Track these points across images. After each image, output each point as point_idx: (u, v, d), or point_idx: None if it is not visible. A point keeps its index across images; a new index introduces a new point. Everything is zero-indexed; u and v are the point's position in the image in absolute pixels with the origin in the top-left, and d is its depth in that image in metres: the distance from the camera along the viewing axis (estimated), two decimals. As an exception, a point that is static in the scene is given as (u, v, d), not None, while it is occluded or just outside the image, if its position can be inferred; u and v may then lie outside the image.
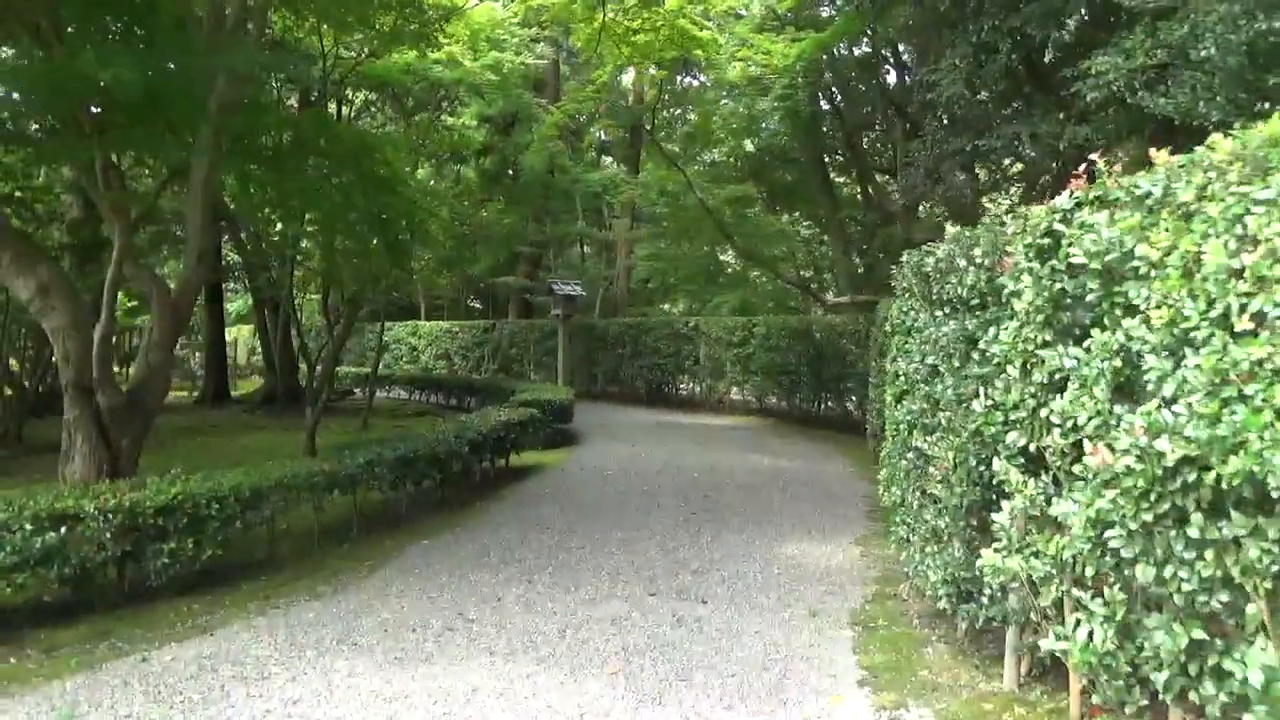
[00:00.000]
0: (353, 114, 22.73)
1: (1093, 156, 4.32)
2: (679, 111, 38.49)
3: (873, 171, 32.51)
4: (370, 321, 37.62)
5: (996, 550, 4.49)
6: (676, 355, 23.10)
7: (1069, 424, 3.98)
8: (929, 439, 5.93)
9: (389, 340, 33.00)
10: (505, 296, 34.25)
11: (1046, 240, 4.32)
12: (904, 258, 7.22)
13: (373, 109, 26.21)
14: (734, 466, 12.92)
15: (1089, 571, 3.84)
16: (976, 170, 15.30)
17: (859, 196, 32.88)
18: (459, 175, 30.41)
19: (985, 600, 4.96)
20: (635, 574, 7.21)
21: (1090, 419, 3.80)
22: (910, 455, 6.46)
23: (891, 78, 23.57)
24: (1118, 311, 3.80)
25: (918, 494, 6.23)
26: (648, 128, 24.63)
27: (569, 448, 14.86)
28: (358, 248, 11.46)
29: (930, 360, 6.17)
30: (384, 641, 5.65)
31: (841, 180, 32.55)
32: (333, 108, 18.65)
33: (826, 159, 29.99)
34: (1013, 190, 24.81)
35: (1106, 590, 3.77)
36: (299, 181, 9.10)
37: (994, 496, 4.87)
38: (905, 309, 7.21)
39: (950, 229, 6.09)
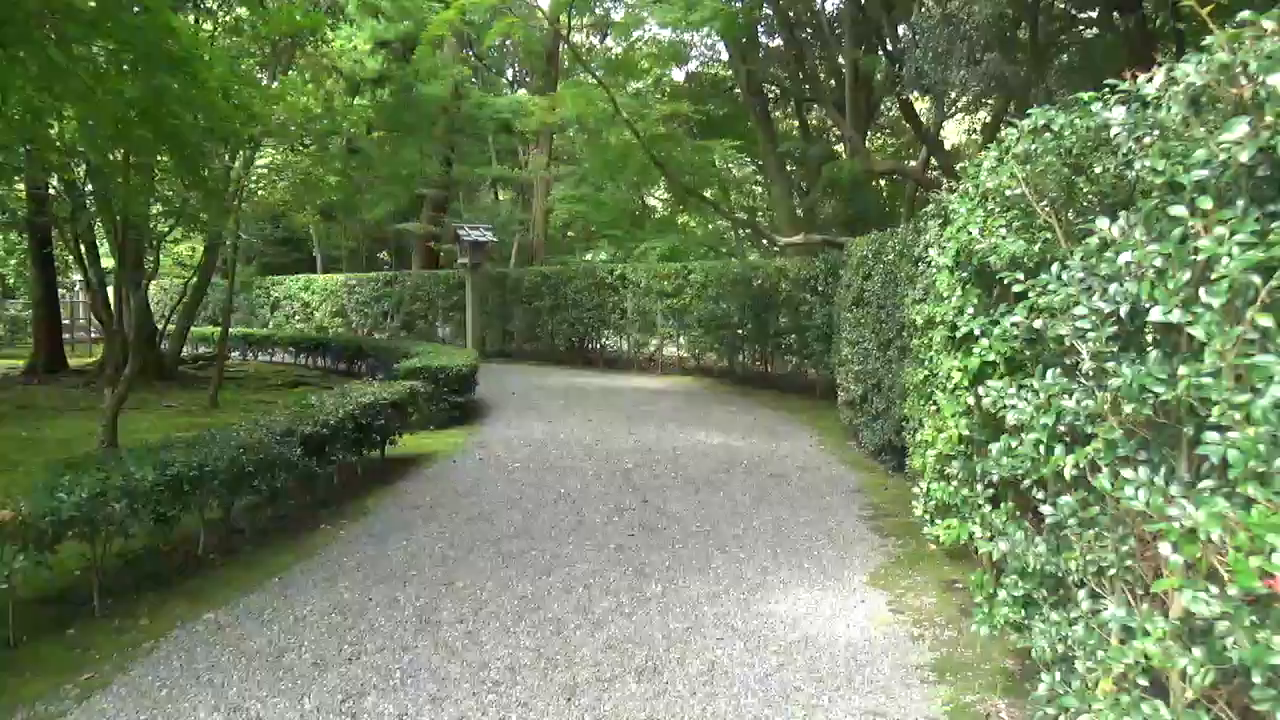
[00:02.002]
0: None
1: None
2: (599, 41, 35.25)
3: (811, 102, 29.86)
4: (260, 275, 34.18)
5: None
6: (601, 308, 20.18)
7: None
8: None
9: (279, 297, 29.46)
10: (410, 246, 30.86)
11: None
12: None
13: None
14: (677, 449, 10.09)
15: None
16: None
17: (796, 131, 30.31)
18: (349, 107, 26.80)
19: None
20: (544, 683, 4.32)
21: None
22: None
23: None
24: None
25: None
26: (564, 43, 21.34)
27: (470, 426, 11.88)
28: (138, 160, 8.23)
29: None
30: None
31: (777, 115, 29.88)
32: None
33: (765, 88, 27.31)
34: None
35: None
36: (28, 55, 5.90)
37: None
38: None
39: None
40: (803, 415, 13.09)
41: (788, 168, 25.89)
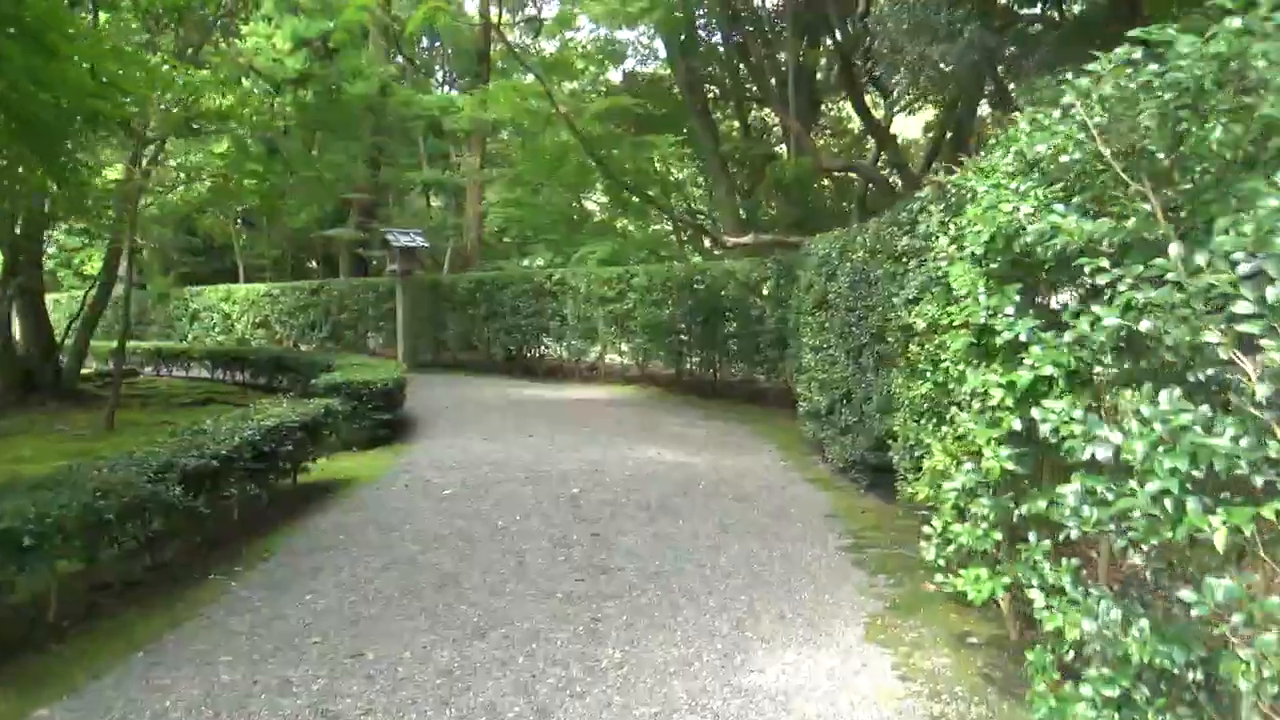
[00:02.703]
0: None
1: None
2: (531, 40, 34.22)
3: (753, 101, 29.16)
4: (179, 285, 32.45)
5: None
6: (539, 315, 19.14)
7: None
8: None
9: (197, 309, 27.88)
10: (338, 254, 29.51)
11: None
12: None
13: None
14: (627, 469, 9.11)
15: None
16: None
17: (736, 132, 29.56)
18: (272, 109, 25.41)
19: None
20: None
21: None
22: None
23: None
24: None
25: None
26: (495, 41, 20.33)
27: (399, 446, 10.78)
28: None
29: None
30: None
31: (717, 116, 29.06)
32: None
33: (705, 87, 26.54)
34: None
35: None
36: None
37: None
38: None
39: None
40: (758, 426, 12.21)
41: (729, 170, 25.13)
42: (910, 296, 5.55)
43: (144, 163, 14.20)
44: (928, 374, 4.67)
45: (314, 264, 36.58)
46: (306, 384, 13.70)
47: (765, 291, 14.25)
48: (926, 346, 4.77)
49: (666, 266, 17.33)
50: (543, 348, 19.85)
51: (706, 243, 28.08)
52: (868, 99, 19.80)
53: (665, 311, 16.27)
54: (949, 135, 17.20)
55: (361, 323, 23.45)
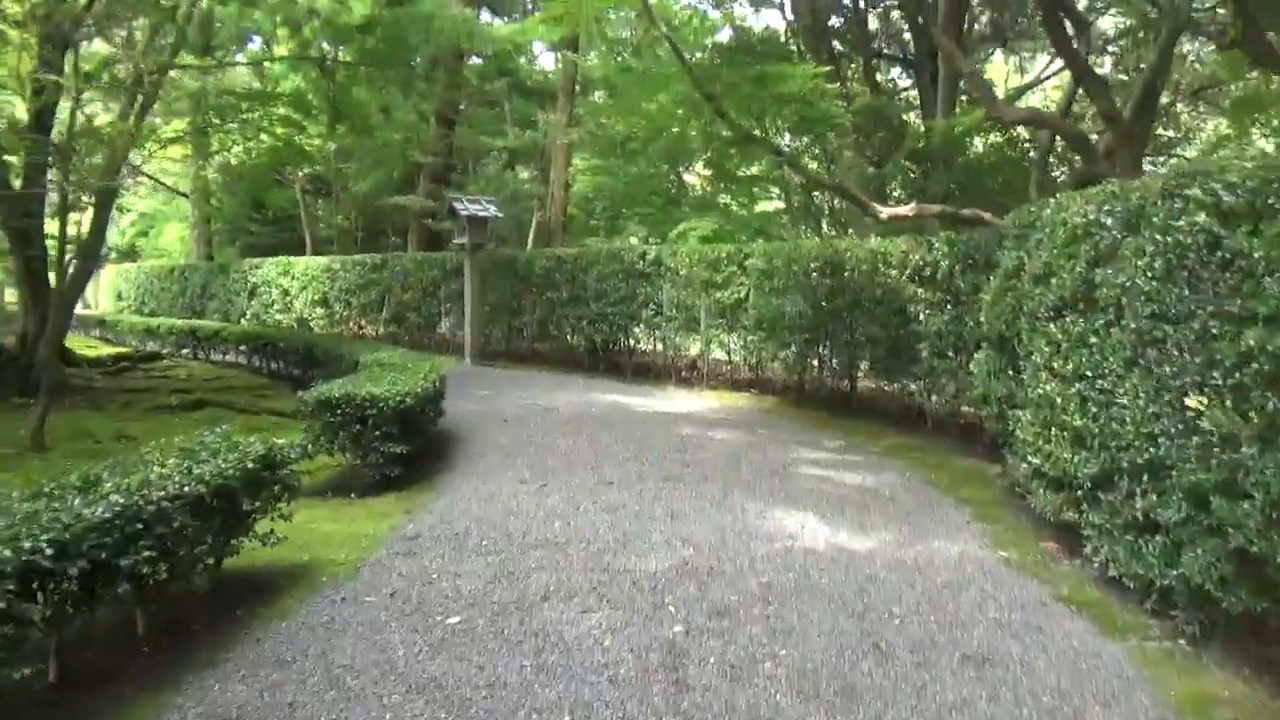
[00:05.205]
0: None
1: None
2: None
3: (882, 58, 25.33)
4: (243, 256, 29.99)
5: None
6: (629, 301, 15.75)
7: None
8: None
9: (255, 283, 25.19)
10: (402, 224, 26.61)
11: None
12: None
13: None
14: (759, 570, 5.51)
15: None
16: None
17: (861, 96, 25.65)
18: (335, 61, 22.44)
19: None
20: None
21: None
22: None
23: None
24: None
25: None
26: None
27: (416, 491, 7.48)
28: None
29: None
30: None
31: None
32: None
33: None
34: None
35: None
36: None
37: None
38: None
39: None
40: (928, 468, 8.65)
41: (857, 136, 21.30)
42: None
43: (136, 107, 11.30)
44: None
45: (394, 238, 33.59)
46: (334, 378, 10.69)
47: (935, 280, 10.62)
48: None
49: (791, 245, 13.71)
50: (632, 340, 16.47)
51: (824, 224, 24.39)
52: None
53: (787, 302, 12.73)
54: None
55: (427, 304, 20.40)
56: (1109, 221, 5.65)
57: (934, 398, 10.99)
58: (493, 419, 11.05)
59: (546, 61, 31.47)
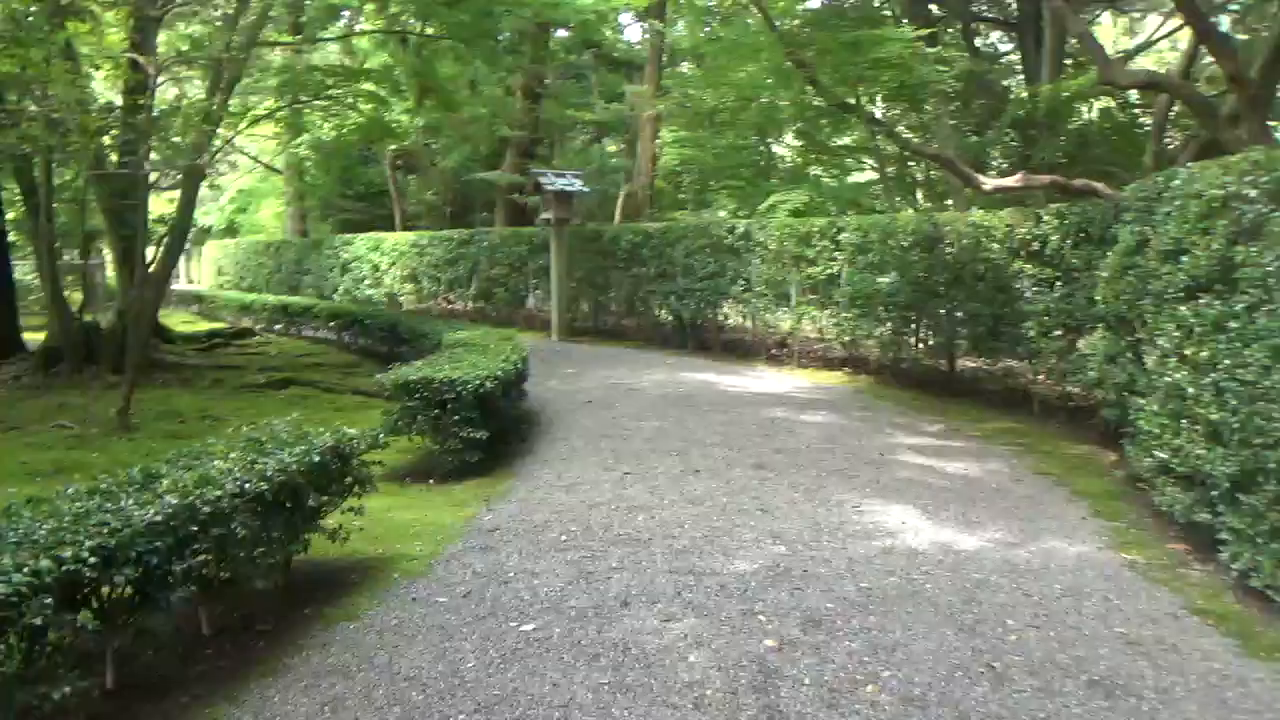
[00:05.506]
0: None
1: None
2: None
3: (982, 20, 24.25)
4: (337, 231, 30.31)
5: None
6: (718, 276, 15.33)
7: None
8: None
9: (347, 259, 25.39)
10: (490, 199, 26.52)
11: None
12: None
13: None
14: (858, 570, 5.10)
15: None
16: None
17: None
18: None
19: None
20: None
21: None
22: None
23: None
24: None
25: None
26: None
27: (497, 478, 7.26)
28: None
29: None
30: None
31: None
32: None
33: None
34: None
35: None
36: None
37: None
38: None
39: None
40: (1038, 456, 8.11)
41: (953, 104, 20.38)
42: None
43: (221, 85, 11.27)
44: None
45: (483, 213, 33.52)
46: (422, 354, 10.59)
47: (1044, 256, 9.98)
48: None
49: (887, 219, 13.13)
50: (721, 316, 16.05)
51: (919, 196, 23.52)
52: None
53: (884, 278, 12.20)
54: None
55: (514, 279, 20.25)
56: (1252, 194, 5.06)
57: (1041, 378, 10.37)
58: (576, 399, 10.80)
59: (633, 34, 30.98)
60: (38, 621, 2.82)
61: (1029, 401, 10.41)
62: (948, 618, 4.48)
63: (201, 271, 39.85)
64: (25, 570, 2.87)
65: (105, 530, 3.23)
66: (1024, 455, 8.22)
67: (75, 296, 12.34)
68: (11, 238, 15.62)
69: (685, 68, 27.14)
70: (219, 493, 3.82)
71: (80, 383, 11.33)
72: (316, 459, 4.57)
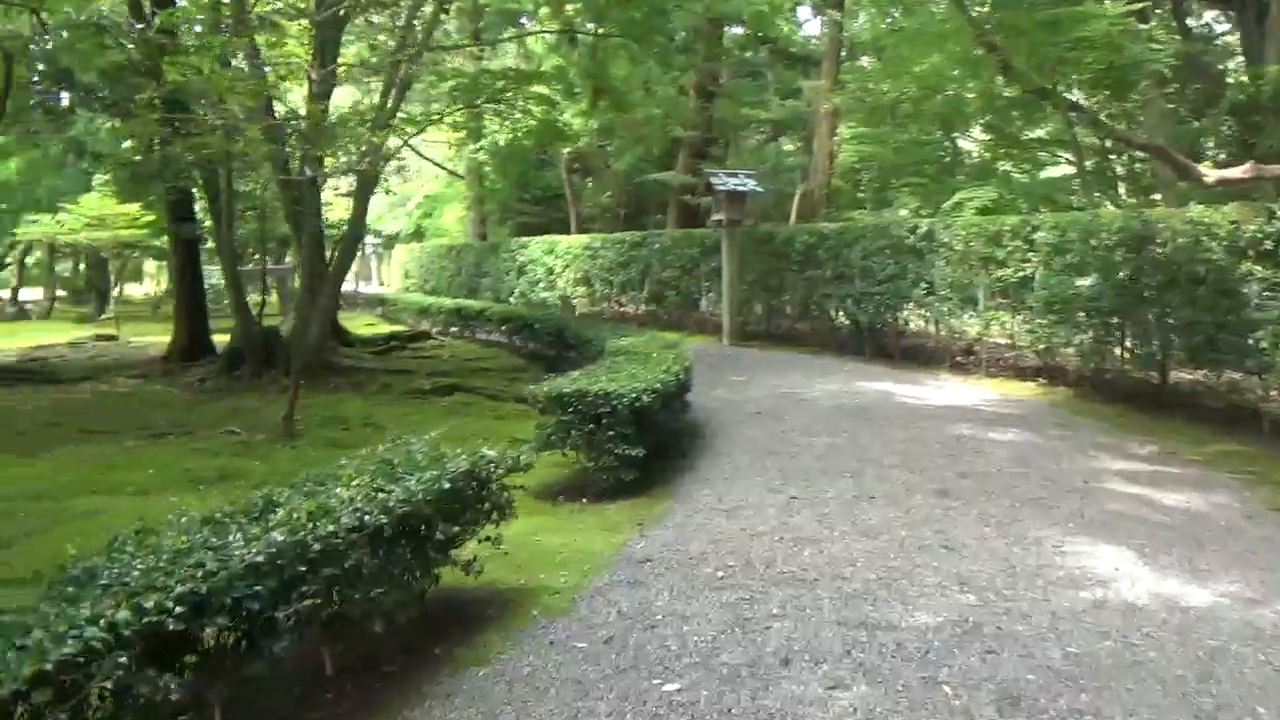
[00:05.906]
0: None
1: None
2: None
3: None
4: (515, 234, 30.76)
5: None
6: (898, 279, 14.44)
7: None
8: None
9: (523, 262, 25.66)
10: (664, 201, 26.25)
11: None
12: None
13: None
14: (1069, 645, 4.22)
15: None
16: None
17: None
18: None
19: None
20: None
21: None
22: None
23: None
24: None
25: None
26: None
27: (653, 500, 6.80)
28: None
29: None
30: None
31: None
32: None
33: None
34: None
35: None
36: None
37: None
38: None
39: None
40: (1273, 489, 7.02)
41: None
42: None
43: (392, 93, 11.33)
44: None
45: (656, 215, 33.32)
46: (589, 360, 10.34)
47: (1273, 256, 8.75)
48: None
49: (1088, 216, 11.97)
50: (901, 321, 15.14)
51: (1121, 190, 21.73)
52: None
53: (1085, 280, 11.10)
54: None
55: (686, 282, 19.88)
56: None
57: (1274, 394, 9.11)
58: (744, 410, 10.27)
59: (812, 29, 30.12)
60: (108, 685, 2.52)
61: (1258, 420, 9.17)
62: (1180, 700, 3.69)
63: (390, 275, 41.48)
64: (102, 623, 2.57)
65: (199, 573, 2.93)
66: (1256, 486, 7.14)
67: (255, 300, 12.64)
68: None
69: (865, 61, 26.15)
70: (333, 527, 3.49)
71: (259, 386, 11.65)
72: (447, 486, 4.20)
